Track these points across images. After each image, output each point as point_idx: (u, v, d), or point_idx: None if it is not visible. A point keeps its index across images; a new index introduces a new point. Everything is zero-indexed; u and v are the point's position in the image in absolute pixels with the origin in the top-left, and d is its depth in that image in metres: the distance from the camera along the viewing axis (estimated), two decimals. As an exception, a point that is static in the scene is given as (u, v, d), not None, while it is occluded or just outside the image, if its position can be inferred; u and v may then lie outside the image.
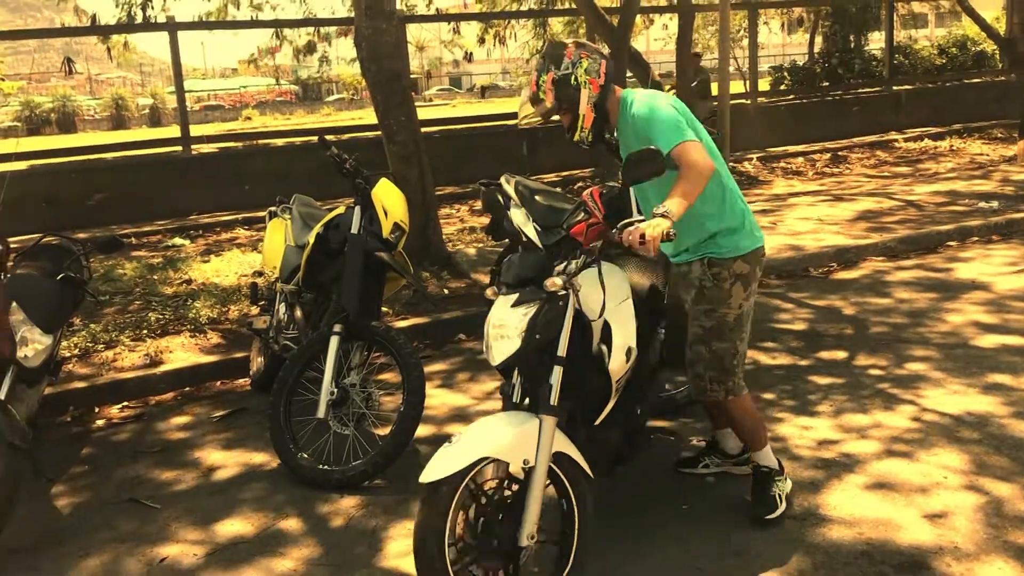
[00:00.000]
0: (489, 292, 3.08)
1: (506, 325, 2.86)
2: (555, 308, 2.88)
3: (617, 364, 3.06)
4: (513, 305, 2.88)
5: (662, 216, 2.82)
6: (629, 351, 3.10)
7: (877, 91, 15.72)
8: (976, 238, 7.70)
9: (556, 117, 3.32)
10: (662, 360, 3.73)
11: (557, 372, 2.86)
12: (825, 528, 3.29)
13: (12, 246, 4.19)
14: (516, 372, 2.98)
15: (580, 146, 3.39)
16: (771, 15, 23.83)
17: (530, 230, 5.33)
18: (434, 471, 2.65)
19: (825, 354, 5.15)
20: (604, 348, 3.06)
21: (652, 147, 2.89)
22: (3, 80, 42.31)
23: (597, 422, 3.12)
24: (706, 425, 4.19)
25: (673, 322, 3.59)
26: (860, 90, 15.87)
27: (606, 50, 3.42)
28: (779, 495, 3.40)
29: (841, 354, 5.14)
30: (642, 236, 2.75)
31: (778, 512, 3.36)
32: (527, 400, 2.96)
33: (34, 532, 3.65)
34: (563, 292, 2.89)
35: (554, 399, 2.83)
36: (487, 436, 2.74)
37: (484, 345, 2.94)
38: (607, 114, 3.29)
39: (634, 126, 3.24)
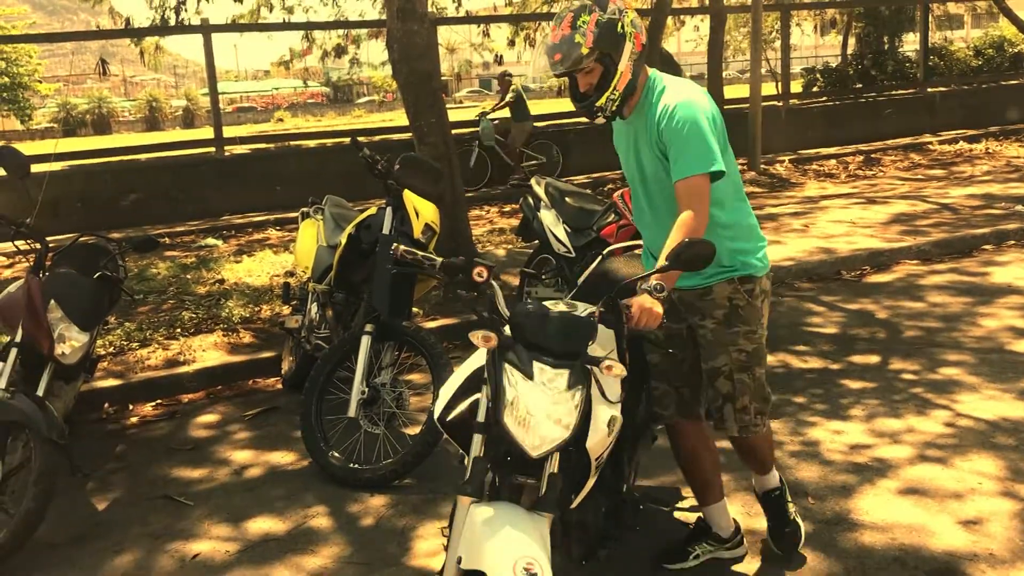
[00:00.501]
0: (480, 338, 2.42)
1: (560, 411, 2.35)
2: (589, 391, 2.42)
3: (597, 440, 2.43)
4: (568, 387, 2.37)
5: (656, 294, 2.48)
6: (612, 421, 2.46)
7: (911, 93, 15.56)
8: (1012, 242, 7.59)
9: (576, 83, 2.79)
10: (652, 414, 3.15)
11: (555, 460, 2.39)
12: (857, 533, 3.26)
13: (50, 245, 4.26)
14: (481, 449, 2.46)
15: (594, 115, 2.82)
16: (803, 16, 23.66)
17: (560, 231, 5.34)
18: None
19: (857, 358, 5.11)
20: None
21: (708, 242, 2.47)
22: (41, 82, 43.07)
23: (573, 505, 2.55)
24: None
25: (665, 363, 3.05)
26: (894, 92, 15.72)
27: None
28: (796, 519, 3.15)
29: (874, 358, 5.09)
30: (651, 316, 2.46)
31: (802, 542, 3.14)
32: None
33: (70, 527, 3.70)
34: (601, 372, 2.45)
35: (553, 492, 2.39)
36: (520, 542, 2.28)
37: (506, 415, 2.34)
38: (634, 89, 2.79)
39: (660, 124, 2.74)
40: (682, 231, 2.60)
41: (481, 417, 2.45)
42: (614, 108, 2.78)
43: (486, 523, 2.29)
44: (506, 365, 2.39)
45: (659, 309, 2.47)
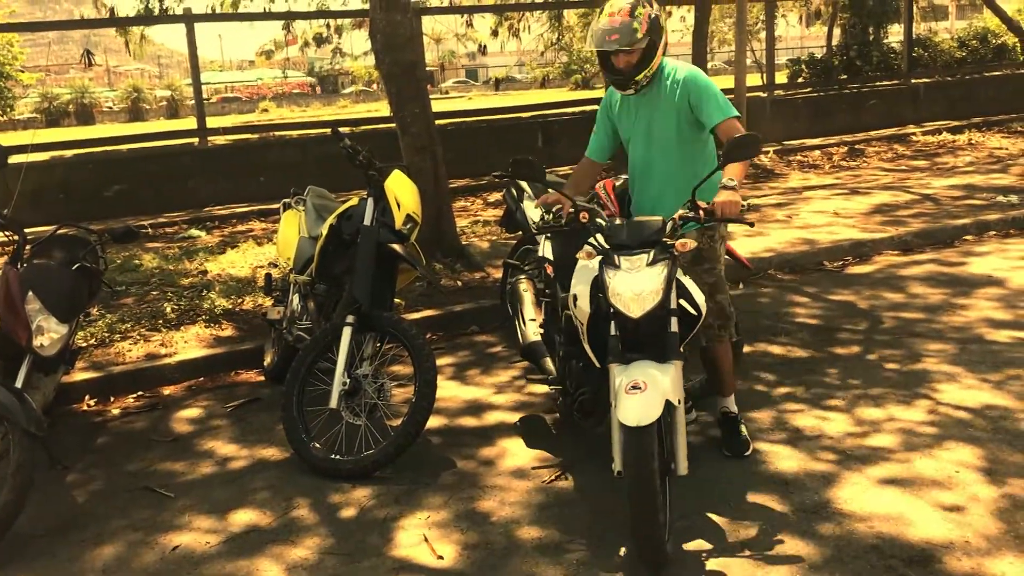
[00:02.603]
0: (583, 254, 3.34)
1: (645, 280, 3.15)
2: (675, 265, 3.26)
3: (698, 295, 3.41)
4: (650, 264, 3.19)
5: (732, 188, 3.37)
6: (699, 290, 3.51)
7: (895, 84, 15.60)
8: (993, 232, 7.64)
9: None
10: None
11: (675, 322, 3.23)
12: (836, 522, 3.29)
13: (29, 236, 4.23)
14: (613, 327, 3.23)
15: (628, 86, 3.68)
16: (789, 7, 23.70)
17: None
18: (642, 416, 2.96)
19: (839, 348, 5.13)
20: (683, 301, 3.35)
21: (753, 133, 3.32)
22: (23, 72, 42.65)
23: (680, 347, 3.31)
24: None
25: None
26: (878, 83, 15.76)
27: None
28: (747, 436, 3.88)
29: (855, 348, 5.12)
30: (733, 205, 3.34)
31: (750, 450, 3.84)
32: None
33: (49, 519, 3.68)
34: (676, 253, 3.28)
35: (678, 345, 3.23)
36: (662, 383, 3.06)
37: (610, 295, 3.18)
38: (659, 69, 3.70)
39: (684, 87, 3.65)
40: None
41: (586, 309, 3.36)
42: (646, 83, 3.66)
43: (625, 373, 3.14)
44: (603, 267, 3.26)
45: (737, 198, 3.35)
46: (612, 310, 3.21)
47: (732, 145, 3.29)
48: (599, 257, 3.31)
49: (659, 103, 3.73)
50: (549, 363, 4.20)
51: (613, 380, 3.17)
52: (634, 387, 3.03)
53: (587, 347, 3.44)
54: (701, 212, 3.34)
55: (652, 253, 3.22)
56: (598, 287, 3.30)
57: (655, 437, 2.98)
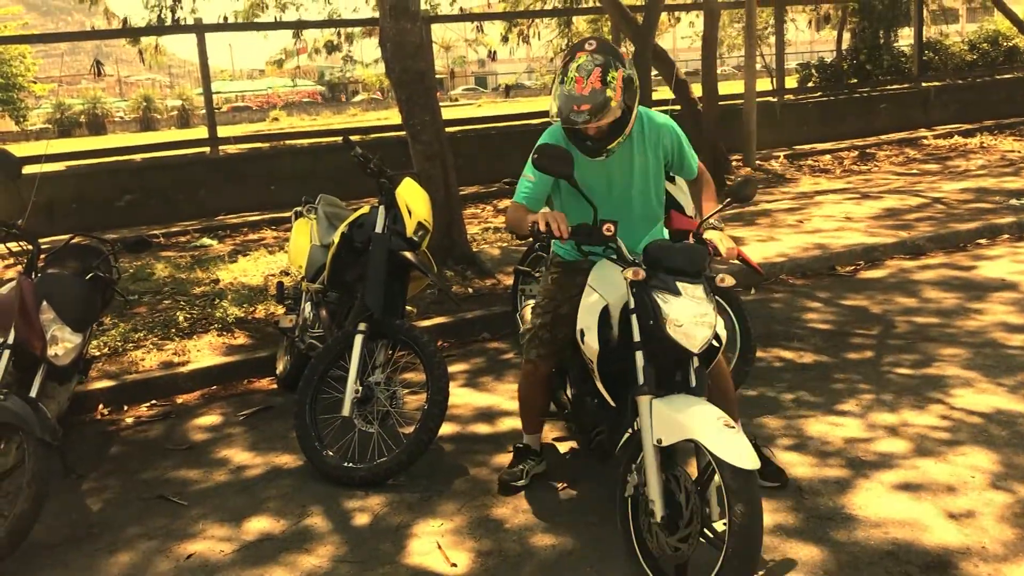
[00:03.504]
0: (631, 273, 3.00)
1: (707, 313, 2.96)
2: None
3: (722, 331, 3.32)
4: (707, 294, 3.00)
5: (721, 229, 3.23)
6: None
7: (906, 88, 15.57)
8: (1006, 236, 7.61)
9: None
10: None
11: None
12: (851, 527, 3.27)
13: (43, 246, 4.25)
14: (641, 357, 3.00)
15: (599, 154, 3.28)
16: (798, 11, 23.67)
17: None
18: (752, 459, 2.72)
19: (852, 353, 5.12)
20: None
21: (748, 177, 3.26)
22: (35, 83, 42.97)
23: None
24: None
25: None
26: (888, 87, 15.72)
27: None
28: (771, 455, 3.65)
29: (868, 353, 5.10)
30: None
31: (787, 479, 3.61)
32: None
33: (64, 528, 3.70)
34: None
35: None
36: (708, 410, 2.87)
37: (667, 324, 2.91)
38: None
39: (660, 136, 3.40)
40: (712, 188, 3.56)
41: (637, 337, 3.01)
42: (616, 148, 3.27)
43: (673, 407, 2.89)
44: (654, 291, 2.95)
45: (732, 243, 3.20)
46: (650, 338, 2.97)
47: (739, 186, 3.22)
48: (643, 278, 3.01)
49: (641, 152, 3.41)
50: (562, 395, 3.98)
51: (646, 414, 2.92)
52: (728, 425, 2.78)
53: (600, 385, 3.29)
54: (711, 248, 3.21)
55: (705, 284, 3.03)
56: (644, 312, 2.99)
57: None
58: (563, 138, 3.31)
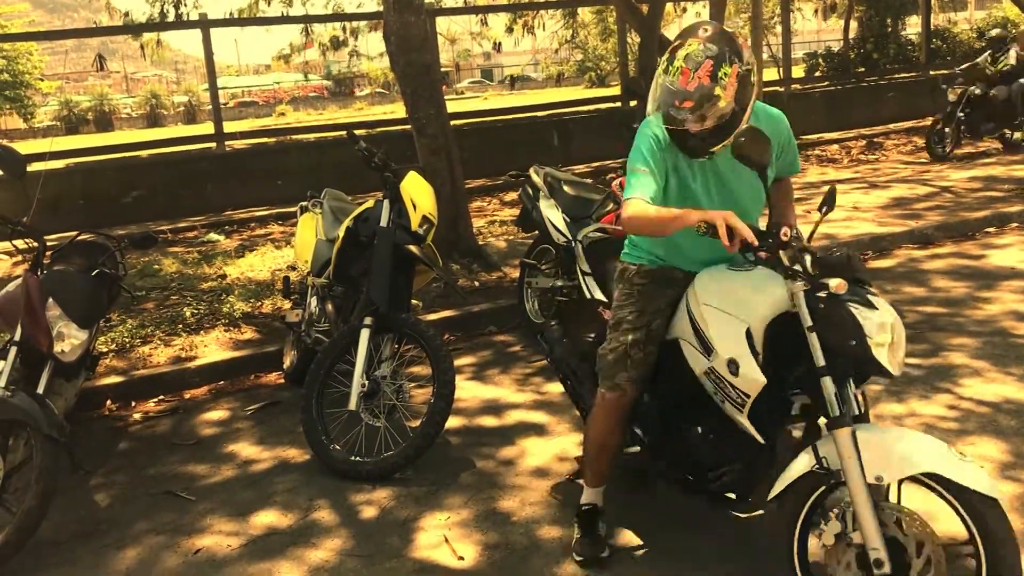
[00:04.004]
0: (836, 285, 2.49)
1: (899, 326, 2.54)
2: None
3: None
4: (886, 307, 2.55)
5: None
6: None
7: (913, 76, 15.48)
8: (1015, 224, 7.56)
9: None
10: None
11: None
12: (859, 519, 3.25)
13: (49, 243, 4.26)
14: (830, 384, 2.53)
15: (702, 155, 2.82)
16: (804, 0, 23.55)
17: (559, 221, 5.33)
18: (994, 484, 2.43)
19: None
20: None
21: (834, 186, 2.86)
22: (42, 80, 43.09)
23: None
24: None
25: None
26: (896, 75, 15.64)
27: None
28: None
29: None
30: None
31: None
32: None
33: (72, 524, 3.71)
34: None
35: None
36: (929, 440, 2.54)
37: (872, 343, 2.46)
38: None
39: (778, 132, 2.95)
40: (792, 192, 3.24)
41: (821, 361, 2.52)
42: (722, 151, 2.79)
43: (889, 438, 2.53)
44: (848, 305, 2.50)
45: None
46: (843, 359, 2.52)
47: (831, 196, 2.79)
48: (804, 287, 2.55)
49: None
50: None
51: (849, 449, 2.46)
52: (962, 454, 2.46)
53: (746, 421, 2.74)
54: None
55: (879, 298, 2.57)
56: (840, 328, 2.49)
57: None
58: (661, 133, 2.83)
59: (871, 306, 2.51)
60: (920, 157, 11.35)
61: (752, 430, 2.75)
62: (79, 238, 4.63)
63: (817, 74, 16.78)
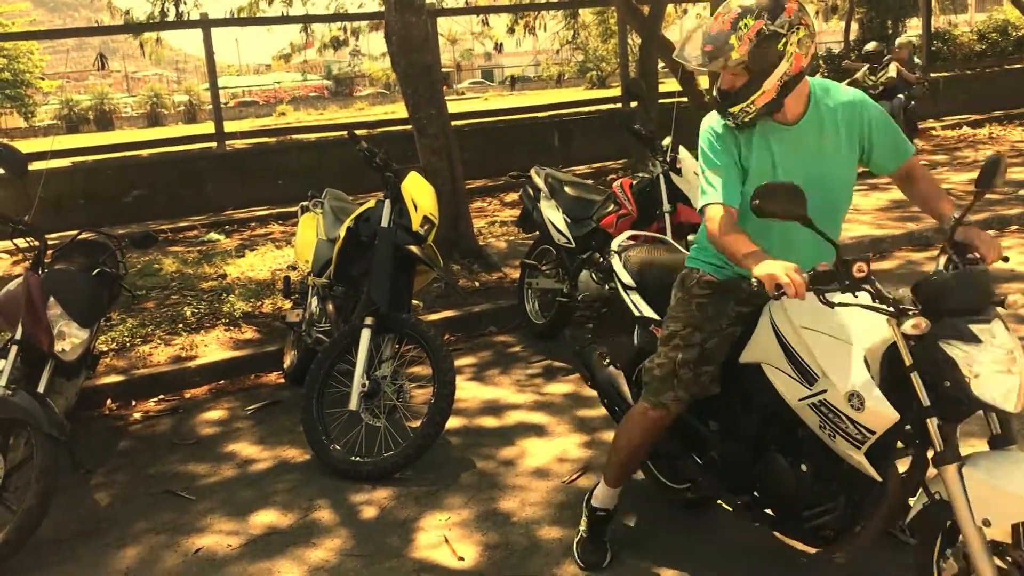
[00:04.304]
0: (911, 326, 2.25)
1: (1019, 358, 2.25)
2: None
3: None
4: (1007, 330, 2.29)
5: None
6: None
7: (915, 78, 15.46)
8: (1015, 227, 7.57)
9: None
10: None
11: None
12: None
13: (50, 242, 4.26)
14: (934, 423, 2.31)
15: (725, 118, 2.66)
16: (806, 2, 23.61)
17: (560, 222, 5.34)
18: None
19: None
20: None
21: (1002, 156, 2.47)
22: (43, 79, 43.13)
23: None
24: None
25: None
26: (896, 77, 15.63)
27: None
28: None
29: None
30: None
31: None
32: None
33: (72, 523, 3.72)
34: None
35: None
36: None
37: (975, 386, 2.21)
38: (779, 106, 2.64)
39: (854, 112, 2.70)
40: (931, 177, 2.91)
41: (926, 401, 2.30)
42: (747, 119, 2.63)
43: (993, 474, 2.23)
44: (940, 343, 2.25)
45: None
46: (947, 402, 2.28)
47: (992, 168, 2.50)
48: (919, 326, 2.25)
49: (833, 134, 2.70)
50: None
51: (957, 488, 2.25)
52: None
53: (864, 459, 2.45)
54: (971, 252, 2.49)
55: (995, 316, 2.30)
56: (940, 369, 2.26)
57: None
58: (717, 124, 2.72)
59: (974, 339, 2.24)
60: (920, 159, 11.33)
61: (871, 469, 2.46)
62: (80, 237, 4.63)
63: (818, 76, 16.80)
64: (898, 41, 12.78)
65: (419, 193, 4.29)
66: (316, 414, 4.09)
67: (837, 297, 2.41)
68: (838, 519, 2.60)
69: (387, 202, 4.31)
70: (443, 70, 10.55)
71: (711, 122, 2.74)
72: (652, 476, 3.48)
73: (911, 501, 2.48)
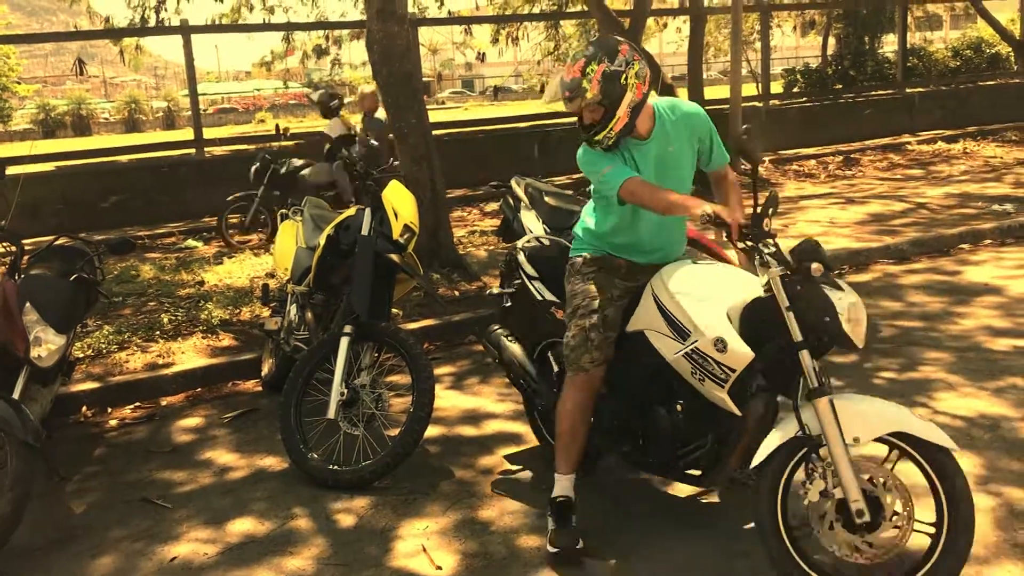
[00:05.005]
0: (813, 268, 2.83)
1: (863, 306, 2.87)
2: None
3: None
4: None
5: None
6: None
7: (890, 94, 15.67)
8: (988, 241, 7.67)
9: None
10: None
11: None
12: (834, 530, 3.27)
13: (27, 248, 4.23)
14: (808, 357, 2.81)
15: (594, 147, 3.27)
16: (784, 17, 23.80)
17: (540, 232, 5.34)
18: (952, 443, 2.77)
19: (836, 356, 5.13)
20: None
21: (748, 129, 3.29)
22: (19, 83, 42.69)
23: None
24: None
25: None
26: (873, 92, 15.83)
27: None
28: None
29: (852, 356, 5.11)
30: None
31: None
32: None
33: (46, 531, 3.68)
34: None
35: None
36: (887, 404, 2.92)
37: (844, 321, 2.78)
38: (631, 129, 3.23)
39: (691, 126, 3.33)
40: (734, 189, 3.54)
41: (799, 336, 2.80)
42: (611, 143, 3.22)
43: (862, 404, 2.86)
44: (822, 287, 2.83)
45: None
46: (816, 335, 2.82)
47: (772, 202, 2.99)
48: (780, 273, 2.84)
49: (678, 142, 3.32)
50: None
51: (828, 415, 2.75)
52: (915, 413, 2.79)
53: (727, 396, 3.00)
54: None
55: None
56: (821, 311, 2.79)
57: None
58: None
59: (839, 287, 2.83)
60: (896, 174, 11.49)
61: (731, 404, 2.99)
62: (57, 243, 4.60)
63: (795, 90, 16.95)
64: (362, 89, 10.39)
65: (400, 202, 4.30)
66: (294, 422, 4.07)
67: (703, 262, 3.25)
68: (707, 454, 3.15)
69: (367, 210, 4.31)
70: (424, 79, 10.59)
71: (585, 148, 3.34)
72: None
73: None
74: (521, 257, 3.90)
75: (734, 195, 3.51)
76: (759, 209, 2.89)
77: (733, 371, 2.93)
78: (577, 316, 3.34)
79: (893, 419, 2.78)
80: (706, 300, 3.04)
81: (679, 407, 3.21)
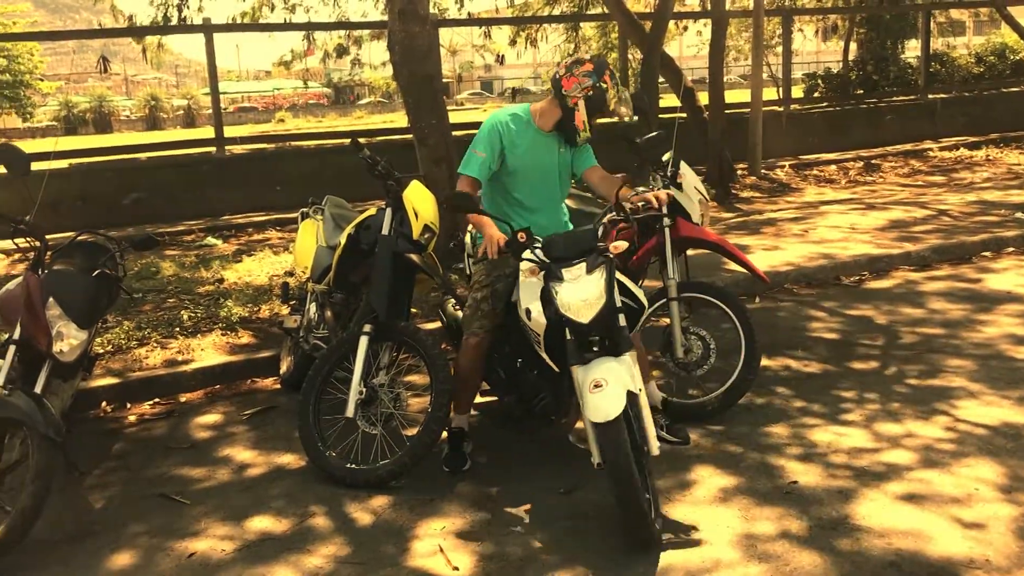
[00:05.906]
0: (527, 271, 3.62)
1: (589, 287, 3.44)
2: (613, 267, 3.55)
3: (641, 294, 3.82)
4: (588, 271, 3.47)
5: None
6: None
7: (912, 99, 15.55)
8: (1011, 249, 7.59)
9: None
10: None
11: (622, 318, 3.53)
12: (854, 537, 3.26)
13: (50, 243, 4.25)
14: (568, 333, 3.48)
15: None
16: (805, 21, 23.68)
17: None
18: (609, 410, 3.23)
19: (857, 363, 5.11)
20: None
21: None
22: (42, 80, 43.10)
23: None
24: (742, 431, 4.20)
25: None
26: (895, 98, 15.71)
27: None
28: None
29: (873, 363, 5.09)
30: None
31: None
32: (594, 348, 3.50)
33: (66, 525, 3.70)
34: (612, 255, 3.59)
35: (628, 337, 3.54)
36: (621, 376, 3.33)
37: (560, 306, 3.43)
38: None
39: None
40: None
41: (553, 317, 3.50)
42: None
43: (591, 372, 3.39)
44: (549, 281, 3.52)
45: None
46: (564, 318, 3.44)
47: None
48: (541, 272, 3.57)
49: (554, 144, 4.15)
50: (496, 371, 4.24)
51: (577, 381, 3.43)
52: (596, 385, 3.29)
53: (544, 355, 3.67)
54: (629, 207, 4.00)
55: (588, 261, 3.51)
56: (546, 299, 3.52)
57: (623, 427, 3.23)
58: (509, 120, 4.13)
59: (561, 280, 3.48)
60: (917, 180, 11.41)
61: (549, 360, 3.67)
62: (80, 238, 4.62)
63: (816, 95, 16.82)
64: None
65: (421, 202, 4.30)
66: (312, 420, 4.08)
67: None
68: (550, 404, 3.90)
69: (388, 210, 4.31)
70: (443, 81, 10.59)
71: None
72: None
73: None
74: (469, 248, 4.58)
75: (608, 182, 4.20)
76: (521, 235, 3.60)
77: (539, 334, 3.59)
78: (473, 289, 4.09)
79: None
80: (529, 283, 3.66)
81: (530, 365, 3.91)
